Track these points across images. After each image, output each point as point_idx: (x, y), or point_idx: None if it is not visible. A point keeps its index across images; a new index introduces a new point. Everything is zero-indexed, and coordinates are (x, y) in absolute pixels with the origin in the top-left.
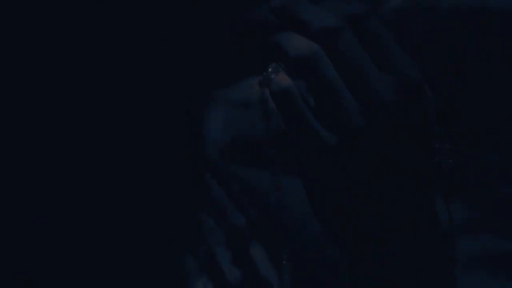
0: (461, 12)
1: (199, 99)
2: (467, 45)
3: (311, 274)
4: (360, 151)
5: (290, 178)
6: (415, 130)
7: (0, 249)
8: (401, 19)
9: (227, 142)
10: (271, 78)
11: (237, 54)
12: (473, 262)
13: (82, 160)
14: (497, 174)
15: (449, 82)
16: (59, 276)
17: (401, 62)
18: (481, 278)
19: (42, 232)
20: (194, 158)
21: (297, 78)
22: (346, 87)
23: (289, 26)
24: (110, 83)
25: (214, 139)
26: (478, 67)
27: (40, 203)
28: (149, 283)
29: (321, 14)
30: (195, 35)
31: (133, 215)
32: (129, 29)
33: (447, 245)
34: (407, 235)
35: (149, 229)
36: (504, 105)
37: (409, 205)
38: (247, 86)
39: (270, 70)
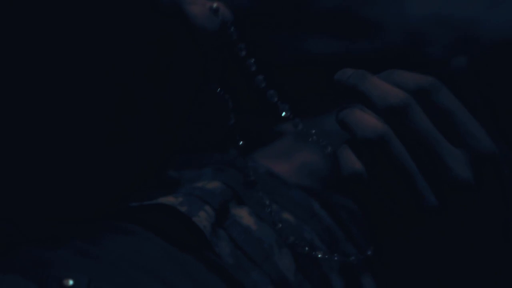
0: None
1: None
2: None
3: None
4: (434, 231)
5: None
6: (492, 207)
7: None
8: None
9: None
10: (336, 154)
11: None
12: None
13: None
14: None
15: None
16: None
17: (475, 133)
18: None
19: None
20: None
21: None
22: (418, 167)
23: (355, 100)
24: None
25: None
26: None
27: None
28: None
29: (387, 90)
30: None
31: None
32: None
33: None
34: None
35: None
36: None
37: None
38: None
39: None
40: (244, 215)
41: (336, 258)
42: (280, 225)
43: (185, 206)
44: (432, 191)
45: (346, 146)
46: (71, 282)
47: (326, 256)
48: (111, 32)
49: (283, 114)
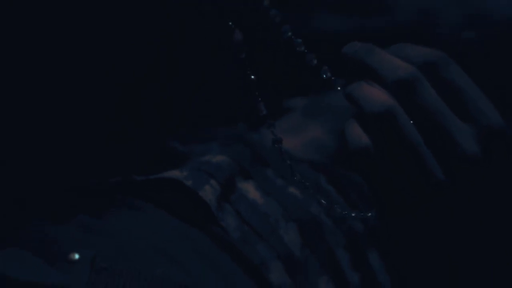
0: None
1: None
2: None
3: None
4: (443, 208)
5: None
6: (500, 183)
7: None
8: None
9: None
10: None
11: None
12: None
13: None
14: None
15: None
16: None
17: (483, 109)
18: None
19: None
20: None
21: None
22: (425, 142)
23: (363, 74)
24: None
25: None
26: None
27: None
28: None
29: (396, 63)
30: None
31: None
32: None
33: None
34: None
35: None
36: None
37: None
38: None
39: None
40: (250, 190)
41: (353, 215)
42: (308, 184)
43: (190, 180)
44: (440, 167)
45: (353, 120)
46: (76, 256)
47: (353, 214)
48: (111, 31)
49: (312, 63)
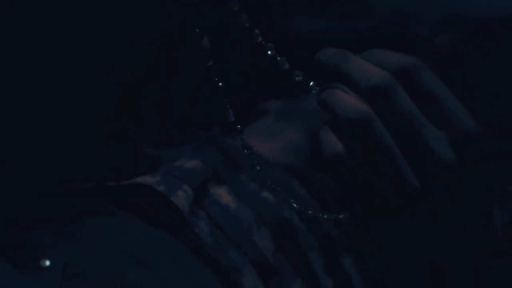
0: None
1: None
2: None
3: None
4: (418, 215)
5: None
6: (476, 187)
7: None
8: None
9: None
10: (319, 134)
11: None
12: None
13: None
14: None
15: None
16: None
17: (458, 115)
18: None
19: None
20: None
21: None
22: (400, 149)
23: (336, 80)
24: None
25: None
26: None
27: None
28: None
29: (369, 70)
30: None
31: None
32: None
33: None
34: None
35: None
36: None
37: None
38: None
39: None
40: (223, 194)
41: (325, 216)
42: (279, 188)
43: (162, 186)
44: (415, 174)
45: (327, 127)
46: (47, 262)
47: (325, 216)
48: (111, 31)
49: (284, 67)
